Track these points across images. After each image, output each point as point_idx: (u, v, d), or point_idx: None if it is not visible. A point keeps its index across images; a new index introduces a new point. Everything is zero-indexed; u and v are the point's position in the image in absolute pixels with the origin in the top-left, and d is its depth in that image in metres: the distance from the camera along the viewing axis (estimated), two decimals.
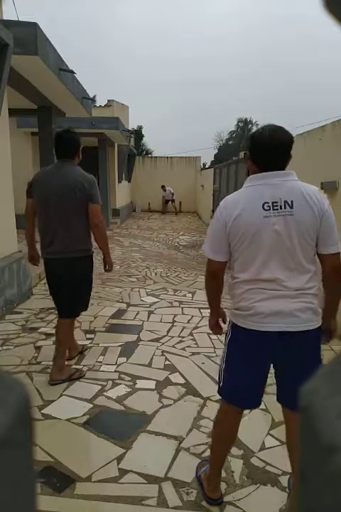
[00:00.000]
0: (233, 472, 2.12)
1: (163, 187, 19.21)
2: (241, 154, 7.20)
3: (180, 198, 20.20)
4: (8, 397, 0.23)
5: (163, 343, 3.77)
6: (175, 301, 5.07)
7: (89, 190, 2.87)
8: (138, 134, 32.70)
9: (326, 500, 0.21)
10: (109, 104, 15.47)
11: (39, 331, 4.05)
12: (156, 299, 5.11)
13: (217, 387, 1.91)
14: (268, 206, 1.60)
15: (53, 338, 3.85)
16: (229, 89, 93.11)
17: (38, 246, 3.12)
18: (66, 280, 2.95)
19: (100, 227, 2.96)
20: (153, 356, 3.49)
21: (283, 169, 1.67)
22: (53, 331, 4.02)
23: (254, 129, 44.05)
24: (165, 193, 19.24)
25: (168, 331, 4.07)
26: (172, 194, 19.21)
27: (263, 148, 1.65)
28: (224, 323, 1.95)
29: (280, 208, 1.59)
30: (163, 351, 3.59)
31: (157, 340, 3.85)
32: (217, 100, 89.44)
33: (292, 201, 1.59)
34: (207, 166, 30.99)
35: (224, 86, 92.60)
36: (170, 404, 2.75)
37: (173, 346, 3.71)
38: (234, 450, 2.28)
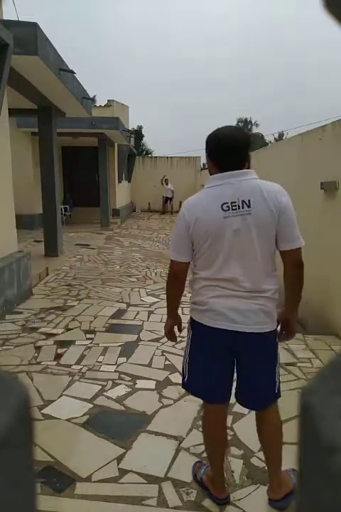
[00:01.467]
0: (233, 472, 2.11)
1: (165, 180, 18.41)
2: None
3: (180, 197, 20.14)
4: (8, 397, 0.23)
5: (163, 343, 3.76)
6: None
7: None
8: (138, 134, 32.68)
9: (326, 500, 0.20)
10: (109, 104, 15.47)
11: (39, 331, 4.05)
12: (156, 299, 5.12)
13: (181, 382, 1.93)
14: (227, 207, 1.62)
15: (54, 338, 3.86)
16: (229, 89, 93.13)
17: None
18: None
19: None
20: (153, 356, 3.49)
21: (241, 168, 1.70)
22: (54, 331, 4.03)
23: (254, 128, 44.12)
24: (166, 188, 18.50)
25: None
26: (172, 192, 18.92)
27: (222, 148, 1.69)
28: (179, 331, 1.99)
29: (239, 207, 1.62)
30: (163, 351, 3.59)
31: (157, 340, 3.85)
32: (217, 100, 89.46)
33: (249, 200, 1.62)
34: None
35: (224, 86, 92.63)
36: (170, 404, 2.75)
37: (173, 346, 3.71)
38: (234, 450, 2.28)
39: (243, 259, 1.66)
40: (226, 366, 1.78)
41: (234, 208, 1.62)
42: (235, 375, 1.83)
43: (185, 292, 1.96)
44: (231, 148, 1.68)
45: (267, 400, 1.82)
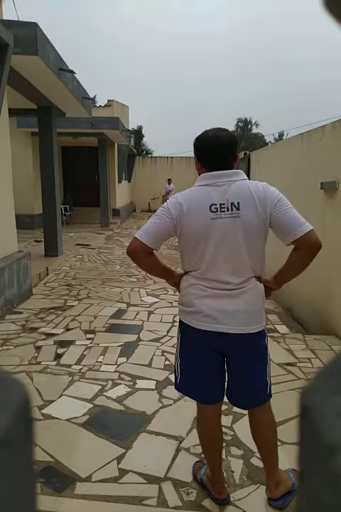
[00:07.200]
0: (233, 472, 2.11)
1: (168, 180, 17.68)
2: (241, 154, 7.20)
3: None
4: (8, 397, 0.23)
5: (163, 343, 3.77)
6: (175, 301, 5.05)
7: None
8: (138, 134, 32.68)
9: (326, 500, 0.20)
10: (109, 104, 15.47)
11: (39, 331, 4.05)
12: (156, 299, 5.11)
13: (174, 384, 1.92)
14: (215, 208, 1.61)
15: (54, 338, 3.86)
16: (229, 89, 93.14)
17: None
18: None
19: None
20: (153, 356, 3.49)
21: (230, 168, 1.69)
22: (53, 331, 4.03)
23: (254, 128, 44.11)
24: (169, 187, 17.43)
25: (168, 331, 4.07)
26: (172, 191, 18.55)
27: (209, 148, 1.69)
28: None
29: (228, 209, 1.61)
30: (163, 351, 3.59)
31: (157, 340, 3.85)
32: (217, 100, 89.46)
33: (238, 203, 1.61)
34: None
35: (224, 86, 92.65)
36: (170, 404, 2.74)
37: (173, 346, 3.70)
38: (234, 450, 2.28)
39: (230, 261, 1.65)
40: (215, 367, 1.77)
41: (222, 209, 1.61)
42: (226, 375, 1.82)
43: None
44: (217, 148, 1.67)
45: (257, 401, 1.81)
